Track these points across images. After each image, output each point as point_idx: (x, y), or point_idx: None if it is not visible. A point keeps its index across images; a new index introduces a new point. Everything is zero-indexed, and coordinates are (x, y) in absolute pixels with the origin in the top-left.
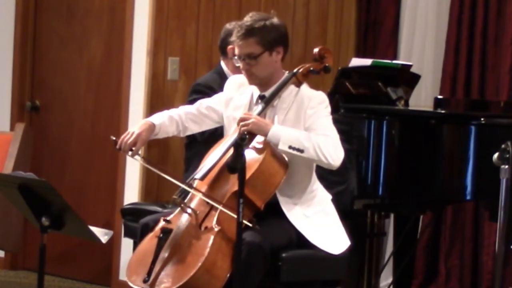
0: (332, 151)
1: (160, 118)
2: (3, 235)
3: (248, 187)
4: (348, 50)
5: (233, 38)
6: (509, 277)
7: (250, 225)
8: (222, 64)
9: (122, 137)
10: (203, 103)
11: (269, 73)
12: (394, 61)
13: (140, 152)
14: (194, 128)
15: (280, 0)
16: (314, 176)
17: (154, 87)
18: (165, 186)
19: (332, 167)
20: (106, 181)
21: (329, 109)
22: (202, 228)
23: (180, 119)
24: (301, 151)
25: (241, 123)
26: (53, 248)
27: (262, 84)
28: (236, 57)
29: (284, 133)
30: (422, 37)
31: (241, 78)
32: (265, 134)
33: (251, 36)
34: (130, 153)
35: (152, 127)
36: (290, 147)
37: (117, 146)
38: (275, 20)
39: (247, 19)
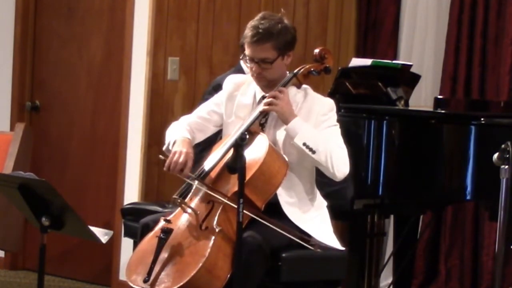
0: (341, 164)
1: (185, 131)
2: (3, 235)
3: (249, 188)
4: (348, 50)
5: (248, 40)
6: (509, 277)
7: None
8: (242, 62)
9: (170, 157)
10: (202, 109)
11: (278, 76)
12: (394, 61)
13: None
14: (200, 137)
15: (280, 0)
16: (314, 181)
17: (154, 87)
18: (165, 186)
19: (335, 178)
20: (106, 181)
21: (336, 116)
22: (203, 228)
23: (191, 130)
24: (313, 151)
25: (268, 100)
26: (53, 248)
27: (269, 86)
28: (247, 58)
29: (303, 129)
30: (422, 37)
31: (240, 77)
32: (285, 122)
33: (268, 41)
34: (181, 174)
35: (190, 142)
36: (304, 144)
37: (165, 167)
38: (286, 22)
39: (262, 21)
